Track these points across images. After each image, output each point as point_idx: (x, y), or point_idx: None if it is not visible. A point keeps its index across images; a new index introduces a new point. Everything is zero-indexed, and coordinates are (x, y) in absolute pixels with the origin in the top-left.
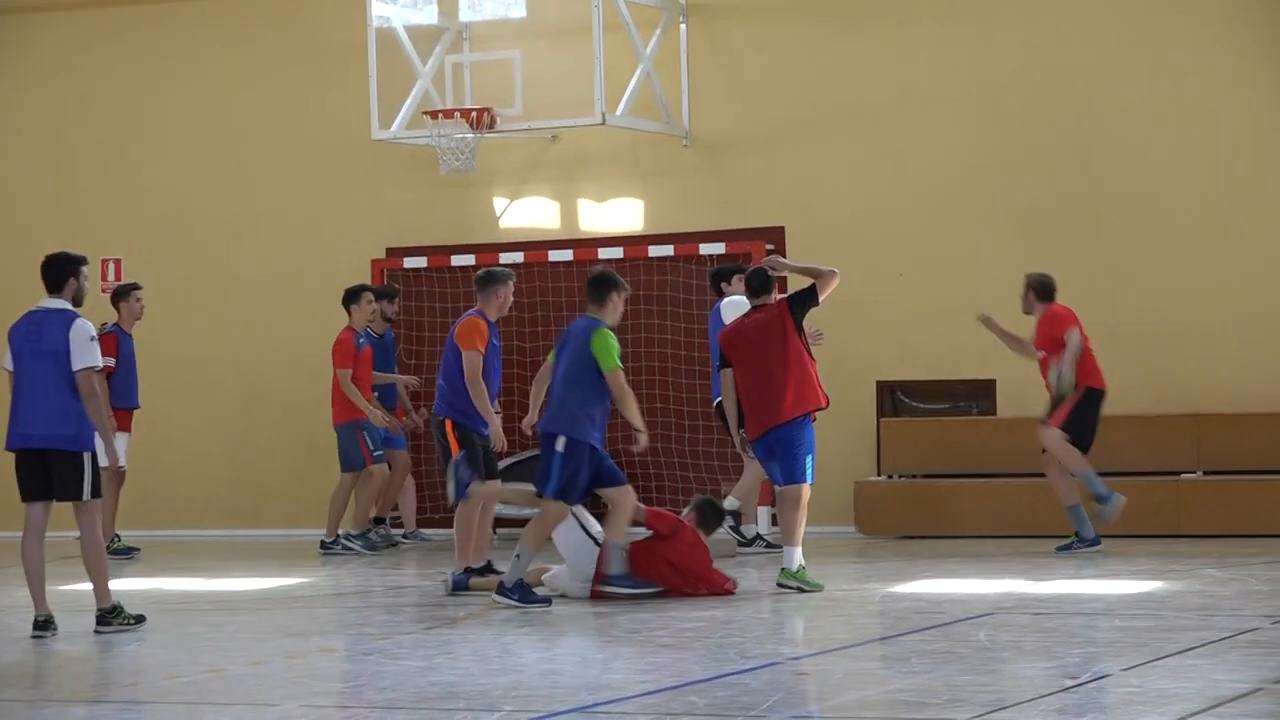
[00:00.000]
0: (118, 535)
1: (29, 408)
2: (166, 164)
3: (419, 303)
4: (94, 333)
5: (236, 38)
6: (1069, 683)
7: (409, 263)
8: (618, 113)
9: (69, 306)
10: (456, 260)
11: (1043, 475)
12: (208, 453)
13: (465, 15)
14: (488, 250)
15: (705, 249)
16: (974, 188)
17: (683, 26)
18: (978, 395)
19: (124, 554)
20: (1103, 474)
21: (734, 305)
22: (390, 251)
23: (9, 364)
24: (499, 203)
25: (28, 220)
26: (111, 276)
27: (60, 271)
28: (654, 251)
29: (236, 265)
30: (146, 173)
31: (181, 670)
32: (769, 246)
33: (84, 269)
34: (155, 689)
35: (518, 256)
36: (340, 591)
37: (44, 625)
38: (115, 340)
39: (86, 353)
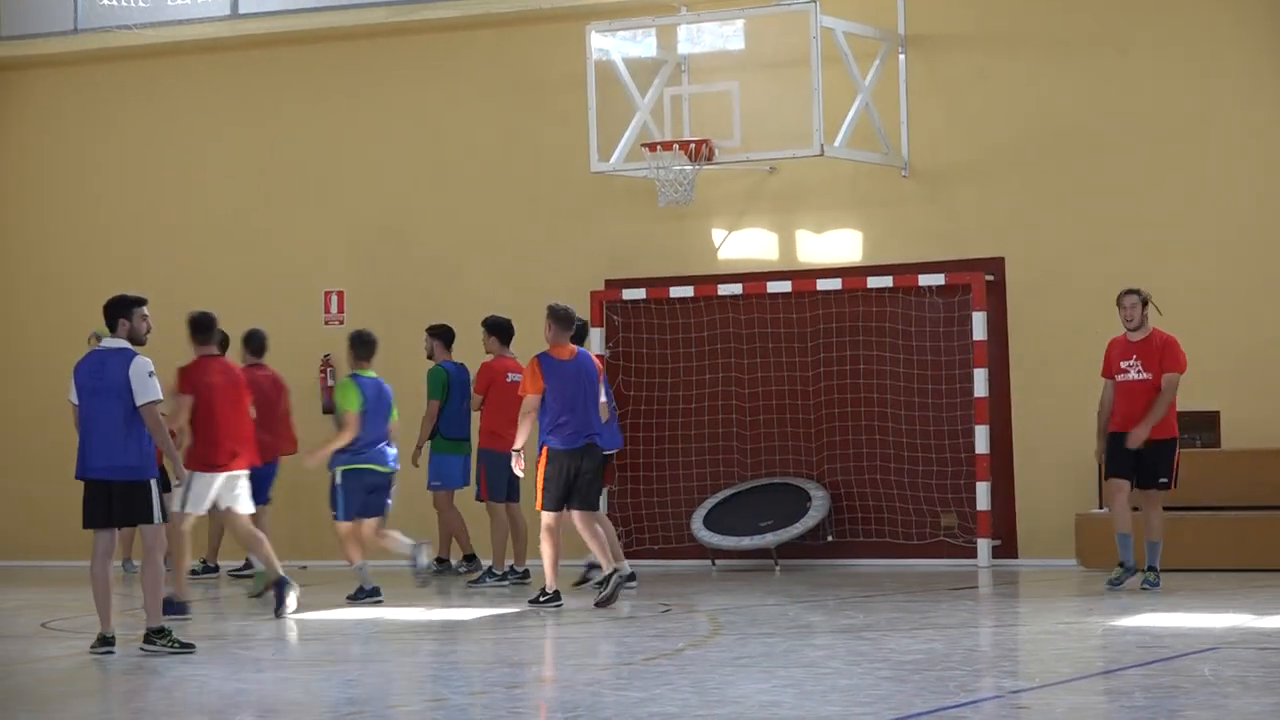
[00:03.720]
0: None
1: (94, 441)
2: (383, 197)
3: (638, 334)
4: (151, 368)
5: (456, 71)
6: None
7: (627, 294)
8: (836, 144)
9: (127, 345)
10: (675, 292)
11: (1271, 508)
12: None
13: (684, 48)
14: (706, 281)
15: (924, 280)
16: (1195, 217)
17: (901, 57)
18: (1201, 427)
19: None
20: None
21: None
22: (609, 283)
23: (74, 398)
24: (717, 234)
25: (257, 252)
26: (335, 309)
27: (113, 313)
28: (873, 283)
29: (456, 299)
30: (363, 206)
31: (403, 700)
32: (989, 277)
33: (138, 310)
34: (377, 719)
35: (736, 288)
36: (560, 622)
37: (106, 642)
38: None
39: (146, 388)
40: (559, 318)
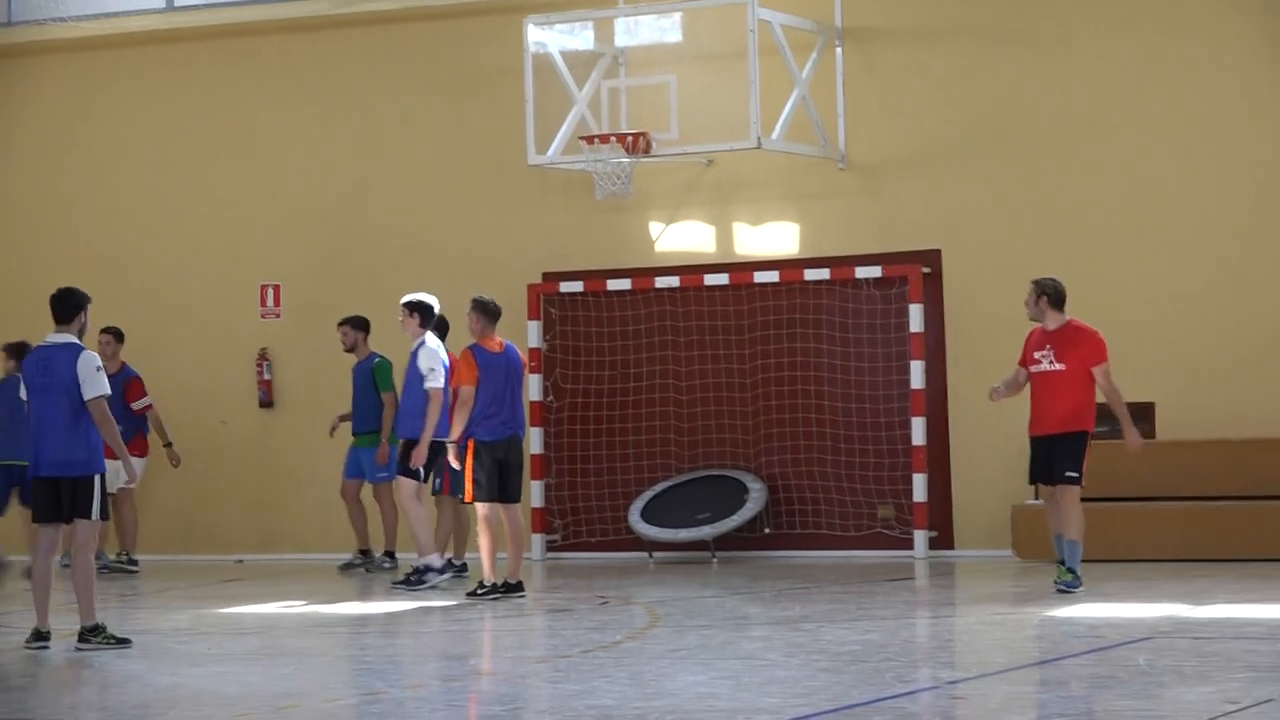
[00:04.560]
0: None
1: (44, 438)
2: (320, 190)
3: (575, 327)
4: (99, 363)
5: (395, 64)
6: (1230, 708)
7: (565, 287)
8: (773, 136)
9: (76, 340)
10: (613, 284)
11: (1206, 499)
12: None
13: (621, 41)
14: (643, 274)
15: (861, 272)
16: (1129, 209)
17: (838, 50)
18: (1136, 418)
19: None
20: (1258, 498)
21: None
22: (547, 276)
23: (24, 394)
24: (655, 227)
25: (193, 245)
26: (271, 302)
27: (75, 306)
28: (810, 275)
29: (394, 291)
30: (303, 199)
31: (339, 694)
32: (926, 270)
33: (89, 305)
34: (313, 712)
35: (674, 280)
36: (497, 615)
37: (41, 637)
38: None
39: (95, 383)
40: (486, 310)
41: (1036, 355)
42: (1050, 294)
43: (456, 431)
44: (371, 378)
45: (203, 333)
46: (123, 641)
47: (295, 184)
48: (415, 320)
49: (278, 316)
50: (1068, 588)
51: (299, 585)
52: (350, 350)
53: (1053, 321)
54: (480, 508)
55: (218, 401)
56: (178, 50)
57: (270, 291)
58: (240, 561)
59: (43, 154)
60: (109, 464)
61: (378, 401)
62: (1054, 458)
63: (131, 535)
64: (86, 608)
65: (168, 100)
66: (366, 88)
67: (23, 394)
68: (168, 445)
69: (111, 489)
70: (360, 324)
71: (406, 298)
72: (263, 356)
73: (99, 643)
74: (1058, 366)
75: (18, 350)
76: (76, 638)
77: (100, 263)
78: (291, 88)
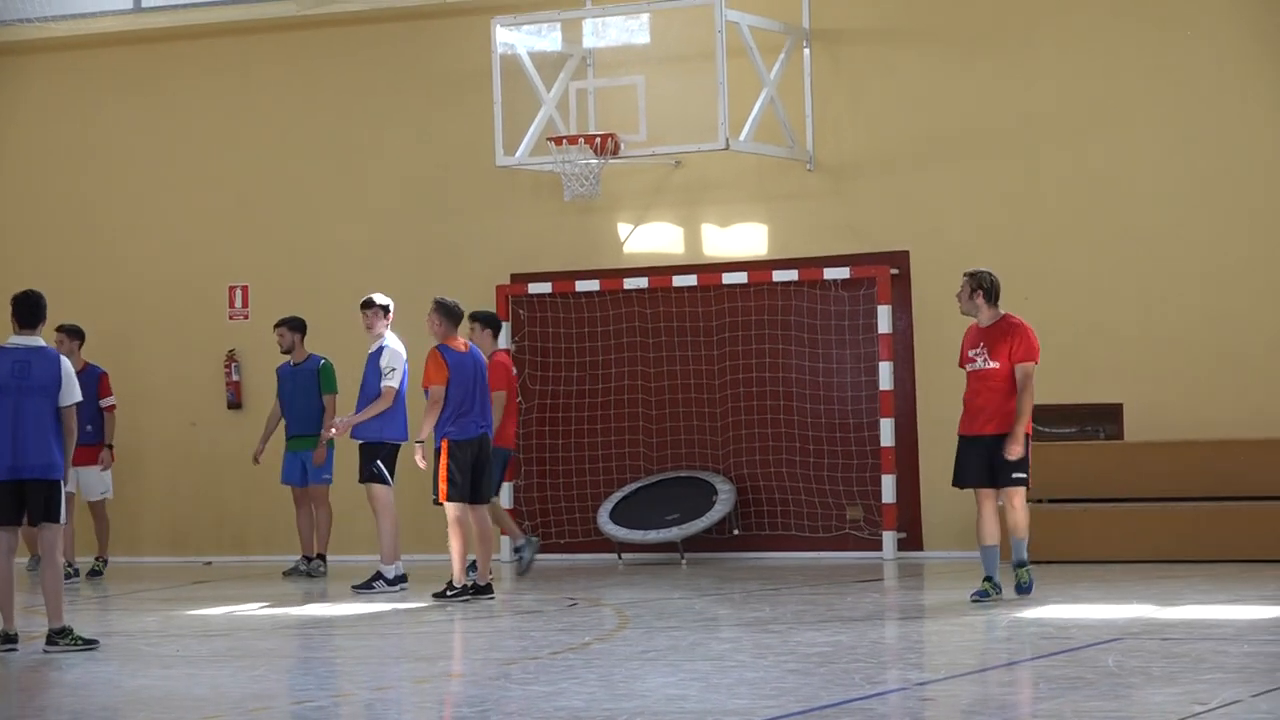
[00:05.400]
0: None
1: (24, 440)
2: (289, 191)
3: (544, 328)
4: (73, 370)
5: (364, 64)
6: (1198, 709)
7: (534, 288)
8: (741, 138)
9: (45, 343)
10: (581, 286)
11: (1174, 499)
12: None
13: (589, 42)
14: (612, 275)
15: (830, 273)
16: (1098, 211)
17: (806, 51)
18: (1104, 419)
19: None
20: (1227, 499)
21: None
22: (515, 277)
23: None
24: (623, 228)
25: (160, 247)
26: (239, 303)
27: (40, 309)
28: (778, 276)
29: (361, 294)
30: (268, 200)
31: (308, 696)
32: (894, 271)
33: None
34: (282, 714)
35: (642, 281)
36: (466, 616)
37: (9, 640)
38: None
39: (74, 389)
40: (448, 311)
41: (970, 354)
42: (986, 288)
43: (425, 431)
44: (314, 379)
45: (171, 334)
46: (90, 643)
47: (263, 184)
48: (381, 321)
49: (246, 318)
50: (1025, 589)
51: (267, 588)
52: (287, 352)
53: (987, 317)
54: (452, 508)
55: (186, 403)
56: (146, 51)
57: (239, 292)
58: (209, 564)
59: (10, 154)
60: (88, 471)
61: (318, 404)
62: (995, 460)
63: (105, 540)
64: (55, 610)
65: (136, 101)
66: (334, 88)
67: None
68: (108, 445)
69: (93, 495)
70: (297, 325)
71: (369, 297)
72: (231, 358)
73: (66, 644)
74: (992, 365)
75: None
76: (45, 640)
77: (67, 262)
78: (259, 89)
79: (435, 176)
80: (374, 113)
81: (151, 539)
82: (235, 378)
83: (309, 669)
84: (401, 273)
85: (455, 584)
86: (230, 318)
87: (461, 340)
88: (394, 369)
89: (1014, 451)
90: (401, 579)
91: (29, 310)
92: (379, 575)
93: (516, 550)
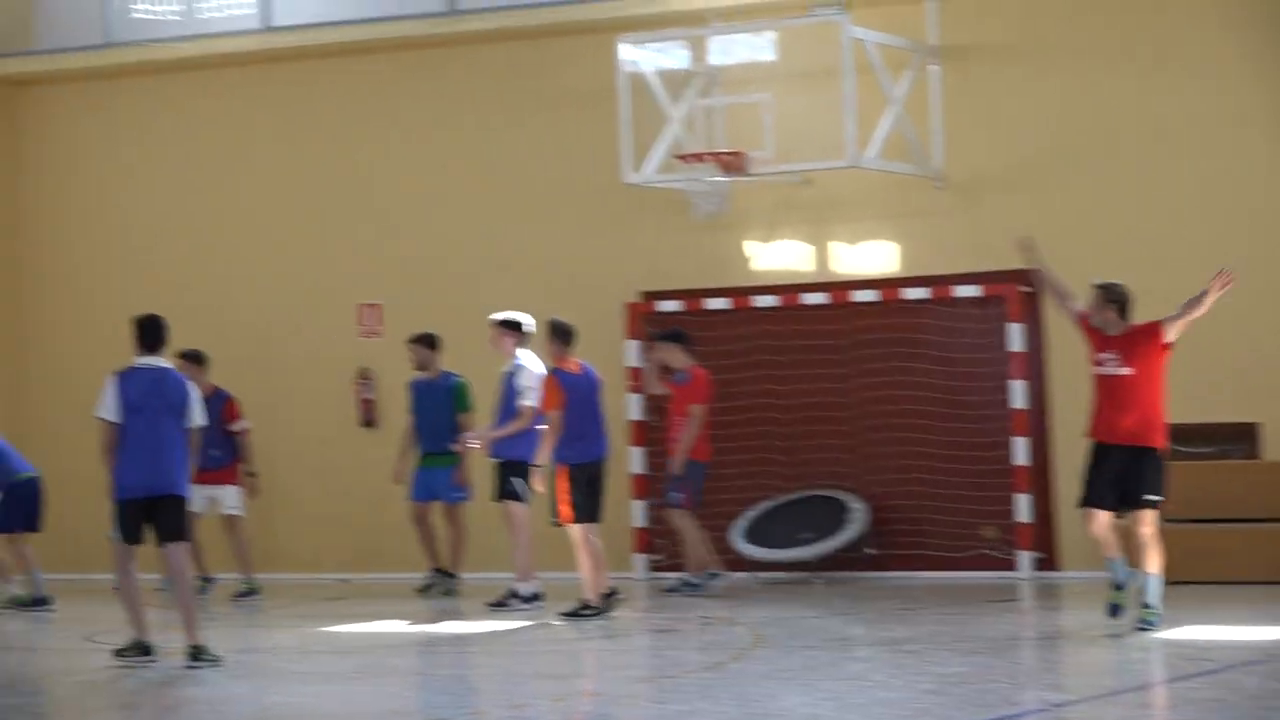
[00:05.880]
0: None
1: (153, 459)
2: (419, 209)
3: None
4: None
5: (488, 83)
6: None
7: (663, 306)
8: (869, 155)
9: (171, 366)
10: (710, 304)
11: None
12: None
13: (715, 59)
14: (741, 294)
15: (960, 291)
16: (1233, 226)
17: (933, 68)
18: (1241, 439)
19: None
20: None
21: None
22: (645, 296)
23: (115, 415)
24: (752, 246)
25: (291, 266)
26: (371, 322)
27: (162, 332)
28: (908, 294)
29: (493, 310)
30: (399, 218)
31: (443, 713)
32: (1025, 289)
33: None
34: None
35: (771, 300)
36: (600, 635)
37: (146, 650)
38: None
39: (200, 412)
40: (562, 333)
41: (1100, 357)
42: (1118, 300)
43: (544, 455)
44: (448, 397)
45: (301, 353)
46: (214, 660)
47: (394, 202)
48: (510, 339)
49: (379, 335)
50: (1149, 625)
51: (402, 605)
52: (421, 369)
53: (1118, 329)
54: (577, 529)
55: (318, 420)
56: (270, 71)
57: (369, 311)
58: (346, 581)
59: (140, 175)
60: (223, 490)
61: (452, 421)
62: (1128, 478)
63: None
64: (191, 626)
65: (263, 121)
66: (462, 107)
67: (109, 413)
68: (251, 474)
69: (226, 511)
70: (431, 341)
71: (499, 315)
72: (363, 375)
73: (202, 661)
74: (1126, 370)
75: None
76: (188, 655)
77: (197, 281)
78: (387, 108)
79: (563, 194)
80: (500, 130)
81: (288, 556)
82: (368, 395)
83: (444, 686)
84: (531, 292)
85: (591, 604)
86: (362, 335)
87: (574, 361)
88: (530, 387)
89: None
90: (536, 597)
91: (153, 333)
92: (513, 593)
93: (708, 577)
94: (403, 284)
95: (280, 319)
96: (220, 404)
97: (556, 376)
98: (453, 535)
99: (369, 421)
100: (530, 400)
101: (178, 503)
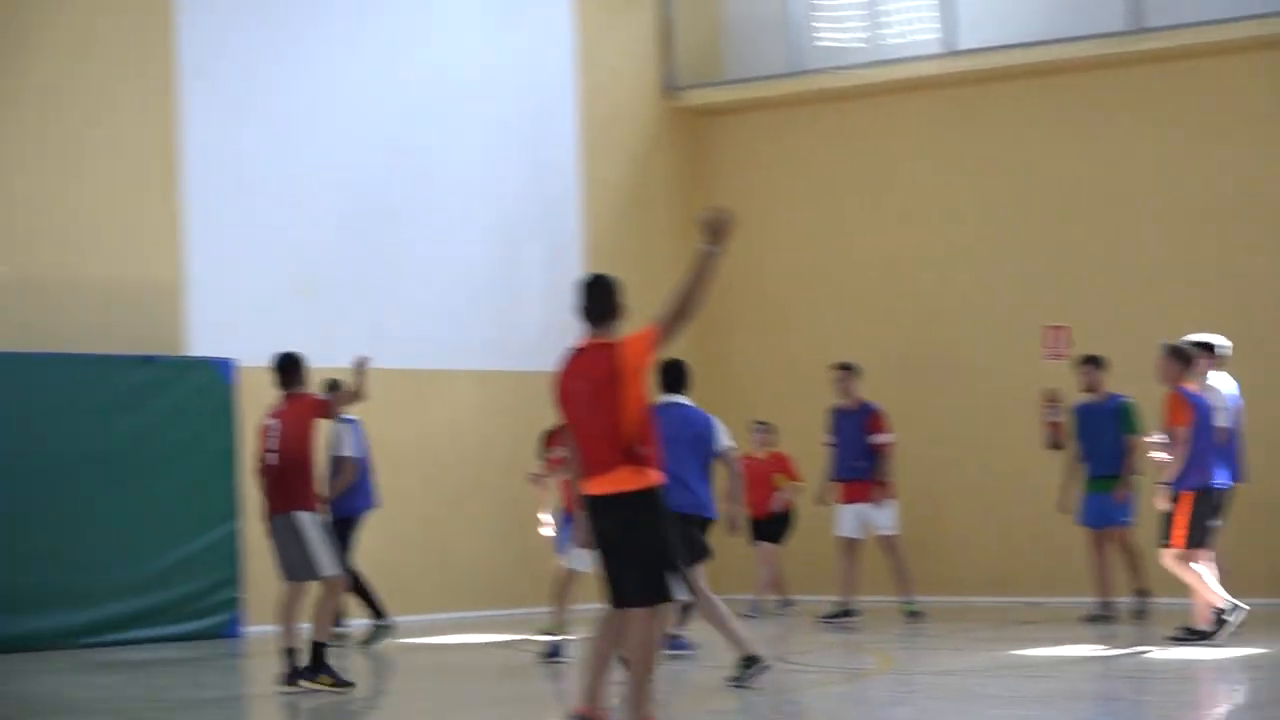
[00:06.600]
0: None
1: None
2: (1106, 230)
3: None
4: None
5: (1173, 103)
6: None
7: None
8: None
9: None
10: None
11: None
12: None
13: None
14: None
15: None
16: None
17: None
18: None
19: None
20: None
21: None
22: None
23: (355, 450)
24: None
25: (976, 289)
26: (1057, 344)
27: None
28: None
29: (1168, 329)
30: (1081, 239)
31: None
32: None
33: None
34: None
35: None
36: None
37: (755, 662)
38: None
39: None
40: (1177, 355)
41: None
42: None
43: (1174, 473)
44: (1113, 418)
45: (981, 375)
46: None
47: (1075, 225)
48: (1177, 364)
49: (1065, 358)
50: None
51: (1095, 628)
52: (1090, 390)
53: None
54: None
55: (1003, 444)
56: (951, 95)
57: (1054, 333)
58: (1035, 604)
59: (818, 201)
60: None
61: (1118, 443)
62: None
63: (907, 578)
64: (734, 639)
65: (943, 145)
66: (1143, 129)
67: (350, 450)
68: (880, 483)
69: (880, 530)
70: (1100, 363)
71: (1178, 340)
72: (1052, 399)
73: (751, 672)
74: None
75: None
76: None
77: (881, 307)
78: (1072, 128)
79: (1248, 211)
80: (1185, 152)
81: (976, 579)
82: (1055, 419)
83: (1137, 714)
84: (1219, 308)
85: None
86: (1046, 357)
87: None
88: (1221, 409)
89: None
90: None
91: (674, 376)
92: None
93: None
94: (1084, 306)
95: (960, 337)
96: (865, 416)
97: (1184, 395)
98: (1129, 559)
99: (1056, 444)
100: (1222, 421)
101: (702, 523)
